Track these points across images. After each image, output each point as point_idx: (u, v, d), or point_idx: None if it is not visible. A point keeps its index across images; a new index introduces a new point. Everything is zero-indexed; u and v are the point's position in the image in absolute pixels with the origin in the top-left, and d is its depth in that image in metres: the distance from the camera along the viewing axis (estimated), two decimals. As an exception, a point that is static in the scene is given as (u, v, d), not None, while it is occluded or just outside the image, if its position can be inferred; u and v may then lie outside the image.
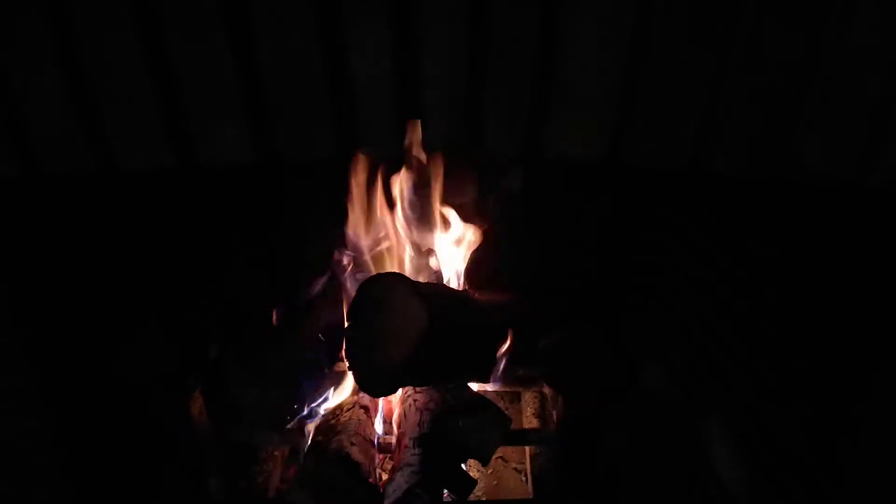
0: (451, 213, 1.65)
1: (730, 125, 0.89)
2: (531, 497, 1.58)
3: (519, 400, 1.83)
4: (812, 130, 0.87)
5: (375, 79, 0.89)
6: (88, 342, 1.38)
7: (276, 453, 1.57)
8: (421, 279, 1.64)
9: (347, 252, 1.64)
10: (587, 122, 0.90)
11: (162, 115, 0.91)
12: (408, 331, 1.31)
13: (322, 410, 1.58)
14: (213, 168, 0.94)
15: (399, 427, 1.55)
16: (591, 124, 0.89)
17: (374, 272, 1.63)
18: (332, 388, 1.59)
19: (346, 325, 1.43)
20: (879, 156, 0.84)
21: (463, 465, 1.46)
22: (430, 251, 1.69)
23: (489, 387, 1.70)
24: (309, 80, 0.89)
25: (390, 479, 1.39)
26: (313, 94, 0.90)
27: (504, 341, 1.57)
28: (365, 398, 1.59)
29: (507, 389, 1.82)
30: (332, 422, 1.51)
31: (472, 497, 1.43)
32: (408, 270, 1.67)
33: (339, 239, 1.63)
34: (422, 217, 1.66)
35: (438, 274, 1.68)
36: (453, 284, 1.73)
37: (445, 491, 1.38)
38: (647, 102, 0.88)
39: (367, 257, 1.66)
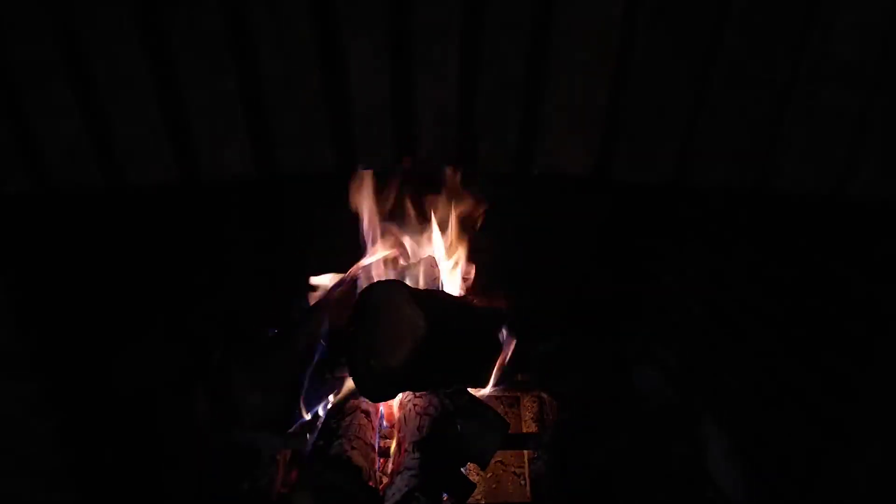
0: (449, 223, 1.68)
1: (713, 140, 0.92)
2: (529, 501, 1.60)
3: (517, 404, 1.85)
4: (792, 145, 0.90)
5: (372, 96, 0.92)
6: (93, 347, 1.41)
7: (278, 457, 1.59)
8: (421, 286, 1.66)
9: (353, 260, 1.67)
10: (575, 139, 0.93)
11: (168, 132, 0.95)
12: (406, 337, 1.33)
13: (323, 415, 1.61)
14: (215, 182, 0.97)
15: (399, 431, 1.58)
16: (579, 141, 0.92)
17: (375, 279, 1.65)
18: (334, 393, 1.62)
19: (347, 330, 1.45)
20: (858, 170, 0.87)
21: (462, 469, 1.49)
22: (430, 259, 1.71)
23: (488, 391, 1.72)
24: (308, 98, 0.93)
25: (390, 483, 1.41)
26: (312, 111, 0.94)
27: (502, 347, 1.59)
28: (366, 403, 1.61)
29: (506, 394, 1.84)
30: (334, 426, 1.54)
31: (470, 501, 1.45)
32: (408, 278, 1.70)
33: (342, 248, 1.66)
34: (422, 226, 1.69)
35: (438, 281, 1.71)
36: (452, 291, 1.76)
37: (445, 494, 1.41)
38: (633, 119, 0.91)
39: (370, 265, 1.68)
